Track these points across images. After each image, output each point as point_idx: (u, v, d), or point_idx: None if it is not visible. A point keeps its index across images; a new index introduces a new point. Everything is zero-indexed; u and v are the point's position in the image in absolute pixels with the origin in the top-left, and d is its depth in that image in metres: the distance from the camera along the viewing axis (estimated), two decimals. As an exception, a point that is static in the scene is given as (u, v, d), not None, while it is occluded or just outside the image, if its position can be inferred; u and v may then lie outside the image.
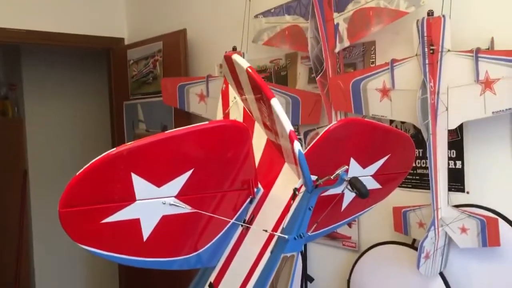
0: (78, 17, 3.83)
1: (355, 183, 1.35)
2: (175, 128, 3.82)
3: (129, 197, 1.34)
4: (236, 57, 1.54)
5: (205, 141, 1.39)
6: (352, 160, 1.60)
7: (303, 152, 1.33)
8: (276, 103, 1.35)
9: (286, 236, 1.46)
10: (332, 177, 1.36)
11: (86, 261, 4.85)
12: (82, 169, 1.26)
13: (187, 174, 1.39)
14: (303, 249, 2.73)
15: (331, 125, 1.47)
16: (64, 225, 1.29)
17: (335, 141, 1.49)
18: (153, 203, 1.38)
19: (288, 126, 1.33)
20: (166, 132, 1.32)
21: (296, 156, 1.32)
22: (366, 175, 1.67)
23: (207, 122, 1.35)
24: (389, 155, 1.70)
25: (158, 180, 1.37)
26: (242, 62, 1.49)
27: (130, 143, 1.30)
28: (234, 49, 2.89)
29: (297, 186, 1.42)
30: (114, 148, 1.28)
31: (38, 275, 4.67)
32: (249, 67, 1.46)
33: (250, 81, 1.47)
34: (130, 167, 1.31)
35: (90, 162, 1.27)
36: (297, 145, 1.31)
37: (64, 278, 4.78)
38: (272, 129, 1.49)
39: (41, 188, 4.60)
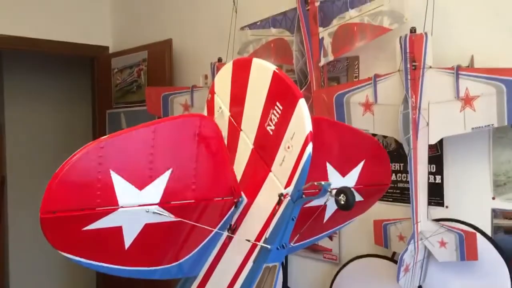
0: (62, 25, 3.81)
1: (346, 192, 1.36)
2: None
3: (112, 202, 1.34)
4: (258, 60, 1.58)
5: (176, 134, 1.46)
6: (329, 166, 1.63)
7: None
8: (304, 103, 1.38)
9: (269, 246, 1.46)
10: (316, 183, 1.37)
11: (64, 268, 4.76)
12: (61, 165, 1.28)
13: (167, 174, 1.41)
14: (284, 261, 2.73)
15: None
16: (45, 231, 1.27)
17: None
18: (136, 210, 1.38)
19: (308, 127, 1.35)
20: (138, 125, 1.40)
21: (303, 159, 1.34)
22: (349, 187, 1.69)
23: (177, 115, 1.40)
24: (363, 160, 1.75)
25: (139, 180, 1.38)
26: (268, 64, 1.52)
27: (105, 137, 1.36)
28: (220, 60, 2.90)
29: (283, 192, 1.43)
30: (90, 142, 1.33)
31: (14, 282, 4.57)
32: (277, 68, 1.48)
33: (275, 84, 1.47)
34: (108, 162, 1.33)
35: (69, 158, 1.30)
36: (309, 148, 1.34)
37: (40, 285, 4.68)
38: (276, 133, 1.50)
39: (19, 195, 4.53)
